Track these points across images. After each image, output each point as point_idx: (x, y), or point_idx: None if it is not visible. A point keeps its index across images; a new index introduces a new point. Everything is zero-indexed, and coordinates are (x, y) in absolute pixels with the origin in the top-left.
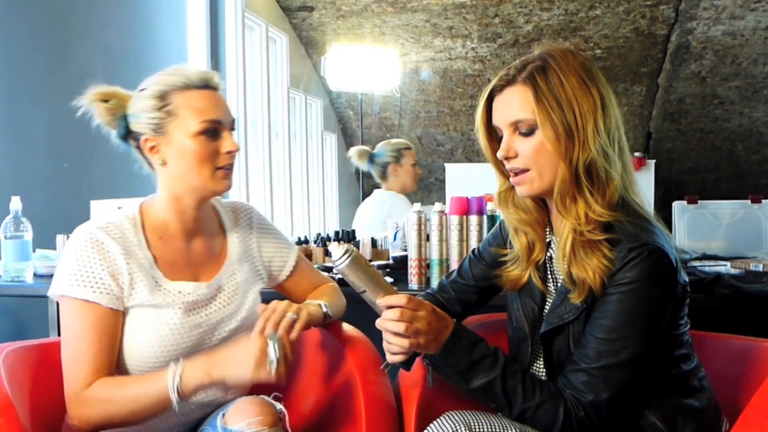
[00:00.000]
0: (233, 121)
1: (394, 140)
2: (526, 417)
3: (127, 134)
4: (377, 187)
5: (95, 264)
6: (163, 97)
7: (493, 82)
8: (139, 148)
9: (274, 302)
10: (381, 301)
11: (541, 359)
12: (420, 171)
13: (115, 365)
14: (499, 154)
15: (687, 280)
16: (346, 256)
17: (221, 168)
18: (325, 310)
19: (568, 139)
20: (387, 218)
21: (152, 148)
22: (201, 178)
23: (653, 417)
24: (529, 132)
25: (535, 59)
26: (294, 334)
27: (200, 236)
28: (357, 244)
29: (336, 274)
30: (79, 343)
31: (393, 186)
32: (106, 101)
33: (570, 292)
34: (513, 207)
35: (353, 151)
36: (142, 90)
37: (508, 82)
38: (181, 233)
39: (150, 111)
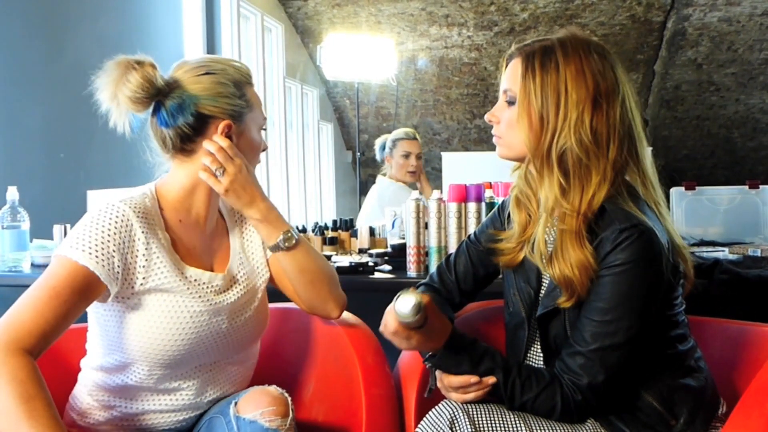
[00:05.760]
0: None
1: (399, 130)
2: (526, 408)
3: (181, 111)
4: (374, 176)
5: (107, 236)
6: (238, 87)
7: (512, 48)
8: (184, 128)
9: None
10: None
11: (538, 343)
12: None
13: (51, 342)
14: (486, 115)
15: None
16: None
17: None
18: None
19: (540, 124)
20: (386, 205)
21: (227, 133)
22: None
23: (650, 398)
24: (512, 103)
25: (546, 40)
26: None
27: (211, 226)
28: (355, 233)
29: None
30: (45, 294)
31: (389, 176)
32: (136, 68)
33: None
34: (524, 177)
35: (378, 142)
36: (207, 73)
37: (515, 52)
38: (201, 220)
39: (230, 97)
